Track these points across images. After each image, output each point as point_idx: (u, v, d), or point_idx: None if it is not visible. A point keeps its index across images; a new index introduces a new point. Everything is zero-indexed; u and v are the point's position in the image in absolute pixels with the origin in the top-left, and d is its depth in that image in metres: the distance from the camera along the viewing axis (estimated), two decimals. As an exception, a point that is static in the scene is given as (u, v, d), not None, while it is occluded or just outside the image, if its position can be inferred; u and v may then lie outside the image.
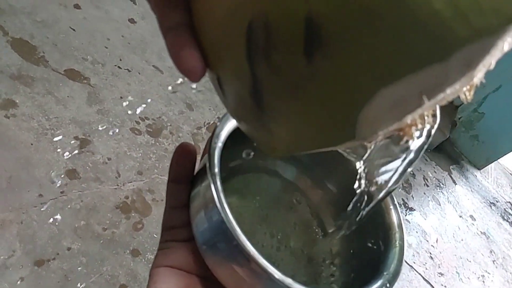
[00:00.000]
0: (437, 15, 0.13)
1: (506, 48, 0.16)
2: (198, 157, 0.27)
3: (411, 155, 0.24)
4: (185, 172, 0.27)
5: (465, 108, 2.29)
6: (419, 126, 0.18)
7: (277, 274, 0.21)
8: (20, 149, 0.98)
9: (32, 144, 1.00)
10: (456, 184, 2.08)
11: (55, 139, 1.04)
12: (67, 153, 1.03)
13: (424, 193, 1.85)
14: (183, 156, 0.27)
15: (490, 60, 0.16)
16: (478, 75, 0.16)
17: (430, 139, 0.23)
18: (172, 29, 0.20)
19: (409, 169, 0.24)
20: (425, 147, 0.23)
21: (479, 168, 2.31)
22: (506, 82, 2.09)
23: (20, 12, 1.24)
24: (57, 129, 1.06)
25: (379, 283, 0.24)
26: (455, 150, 2.31)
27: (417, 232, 1.61)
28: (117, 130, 1.15)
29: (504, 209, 2.16)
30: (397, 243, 0.27)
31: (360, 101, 0.15)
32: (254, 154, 0.30)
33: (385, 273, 0.25)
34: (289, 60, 0.16)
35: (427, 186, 1.91)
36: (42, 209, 0.92)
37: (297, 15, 0.15)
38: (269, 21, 0.16)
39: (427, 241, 1.61)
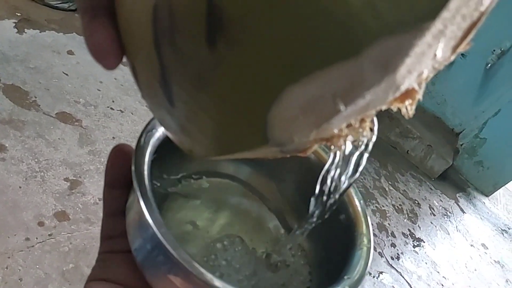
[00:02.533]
0: (346, 4, 0.12)
1: (439, 53, 0.14)
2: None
3: (350, 168, 0.22)
4: (121, 176, 0.24)
5: (466, 134, 2.27)
6: (349, 137, 0.16)
7: (221, 284, 0.19)
8: (7, 193, 0.96)
9: (20, 187, 0.99)
10: (464, 212, 2.02)
11: (45, 181, 1.02)
12: (56, 194, 1.01)
13: (431, 223, 1.79)
14: (119, 158, 0.24)
15: (420, 67, 0.14)
16: (405, 83, 0.14)
17: (367, 152, 0.21)
18: (88, 11, 0.19)
19: (356, 176, 0.22)
20: (364, 160, 0.21)
21: (487, 195, 2.25)
22: (505, 106, 2.08)
23: (13, 59, 1.26)
24: (47, 171, 1.05)
25: None
26: (460, 177, 2.26)
27: (426, 263, 1.54)
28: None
29: (517, 236, 2.09)
30: (362, 244, 0.25)
31: (267, 98, 0.14)
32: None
33: (346, 277, 0.22)
34: (193, 47, 0.15)
35: (434, 215, 1.85)
36: (28, 253, 0.89)
37: None
38: (172, 2, 0.14)
39: (438, 272, 1.54)
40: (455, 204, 2.04)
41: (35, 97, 1.19)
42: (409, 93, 0.16)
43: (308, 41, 0.13)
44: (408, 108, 0.17)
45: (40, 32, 1.42)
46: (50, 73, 1.30)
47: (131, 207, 0.23)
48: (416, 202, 1.85)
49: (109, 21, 0.19)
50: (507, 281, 1.70)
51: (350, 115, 0.14)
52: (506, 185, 2.23)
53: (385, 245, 1.50)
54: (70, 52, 1.41)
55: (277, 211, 0.30)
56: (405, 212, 1.74)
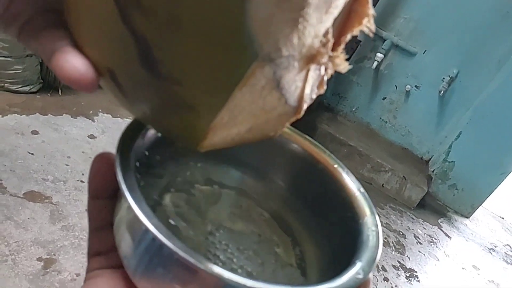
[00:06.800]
0: None
1: None
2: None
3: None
4: (105, 184, 0.23)
5: (435, 160, 2.33)
6: (327, 56, 0.18)
7: (235, 277, 0.18)
8: (-24, 282, 0.90)
9: (-10, 274, 0.93)
10: (449, 236, 2.02)
11: (16, 264, 0.97)
12: (30, 276, 0.96)
13: (419, 251, 1.78)
14: (102, 166, 0.23)
15: None
16: None
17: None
18: (53, 52, 0.19)
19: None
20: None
21: (467, 216, 2.27)
22: (465, 128, 2.17)
23: (-25, 146, 1.24)
24: (18, 253, 1.00)
25: (351, 273, 0.21)
26: (438, 203, 2.29)
27: (422, 292, 1.52)
28: (84, 244, 1.09)
29: (505, 252, 2.09)
30: (371, 229, 0.24)
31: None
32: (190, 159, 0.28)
33: (357, 261, 0.22)
34: None
35: (420, 243, 1.84)
36: None
37: None
38: None
39: (436, 300, 1.51)
40: (439, 229, 2.04)
41: (1, 180, 1.16)
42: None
43: None
44: (369, 25, 0.20)
45: (2, 116, 1.41)
46: (15, 154, 1.28)
47: (119, 218, 0.22)
48: (401, 233, 1.85)
49: (75, 50, 0.19)
50: (504, 298, 1.68)
51: (320, 7, 0.16)
52: (483, 204, 2.27)
53: (377, 281, 1.47)
54: (34, 132, 1.40)
55: (271, 210, 0.30)
56: (391, 244, 1.73)
